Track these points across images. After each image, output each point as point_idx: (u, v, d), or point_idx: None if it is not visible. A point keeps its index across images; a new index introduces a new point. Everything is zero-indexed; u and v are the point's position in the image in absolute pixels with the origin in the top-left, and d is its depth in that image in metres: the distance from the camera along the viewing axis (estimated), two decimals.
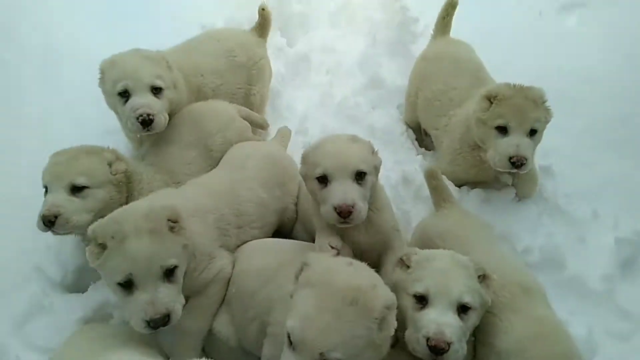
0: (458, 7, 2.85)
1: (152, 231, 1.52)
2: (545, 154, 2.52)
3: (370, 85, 3.11)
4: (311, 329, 1.26)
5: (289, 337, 1.29)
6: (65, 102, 2.58)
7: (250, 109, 2.59)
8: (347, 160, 1.65)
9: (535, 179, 2.30)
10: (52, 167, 1.86)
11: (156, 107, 2.01)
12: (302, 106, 3.10)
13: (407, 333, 1.50)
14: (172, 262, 1.53)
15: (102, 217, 1.60)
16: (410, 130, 2.92)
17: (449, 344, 1.40)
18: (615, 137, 2.58)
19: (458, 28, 3.16)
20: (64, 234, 1.82)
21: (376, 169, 1.75)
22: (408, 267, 1.59)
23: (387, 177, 2.45)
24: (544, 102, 2.12)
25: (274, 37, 3.37)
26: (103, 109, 2.55)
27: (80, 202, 1.82)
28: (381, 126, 2.88)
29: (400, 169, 2.51)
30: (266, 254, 1.87)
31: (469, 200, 2.32)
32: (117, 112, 2.14)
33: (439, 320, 1.44)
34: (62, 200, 1.78)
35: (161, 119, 2.03)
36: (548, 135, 2.59)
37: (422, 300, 1.51)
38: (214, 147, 2.22)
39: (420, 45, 3.07)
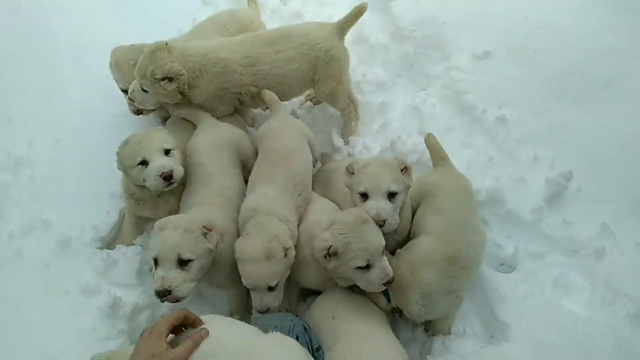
0: None
1: (186, 230, 1.96)
2: (501, 104, 2.96)
3: (357, 41, 3.46)
4: None
5: None
6: (98, 91, 3.07)
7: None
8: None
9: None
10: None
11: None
12: None
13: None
14: (187, 255, 1.94)
15: None
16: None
17: (384, 221, 2.06)
18: (566, 86, 2.92)
19: None
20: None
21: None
22: (352, 173, 2.18)
23: None
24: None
25: None
26: None
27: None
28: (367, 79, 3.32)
29: None
30: None
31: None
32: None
33: (376, 206, 2.08)
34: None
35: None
36: (506, 87, 3.03)
37: (364, 196, 2.13)
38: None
39: (399, 4, 3.38)
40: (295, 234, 2.22)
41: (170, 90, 2.50)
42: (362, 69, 3.35)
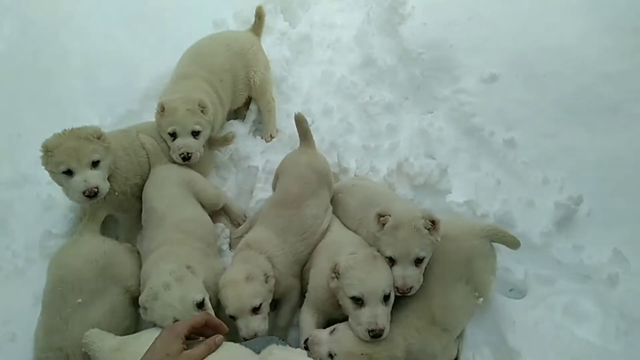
0: None
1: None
2: (509, 126, 2.94)
3: (365, 64, 3.49)
4: None
5: None
6: (108, 105, 3.10)
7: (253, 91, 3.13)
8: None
9: None
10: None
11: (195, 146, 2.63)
12: (306, 85, 3.53)
13: None
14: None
15: None
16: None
17: (410, 288, 2.02)
18: (575, 109, 2.89)
19: (442, 3, 3.48)
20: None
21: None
22: (384, 224, 2.10)
23: None
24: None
25: (277, 22, 3.76)
26: (137, 101, 3.12)
27: None
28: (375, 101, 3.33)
29: None
30: None
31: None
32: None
33: (402, 274, 2.03)
34: None
35: (197, 155, 2.64)
36: (515, 110, 3.02)
37: (391, 260, 2.08)
38: None
39: (407, 27, 3.41)
40: (282, 275, 2.26)
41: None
42: (369, 90, 3.37)
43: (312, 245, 2.42)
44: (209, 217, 2.58)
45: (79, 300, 2.08)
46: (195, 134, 2.63)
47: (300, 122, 2.61)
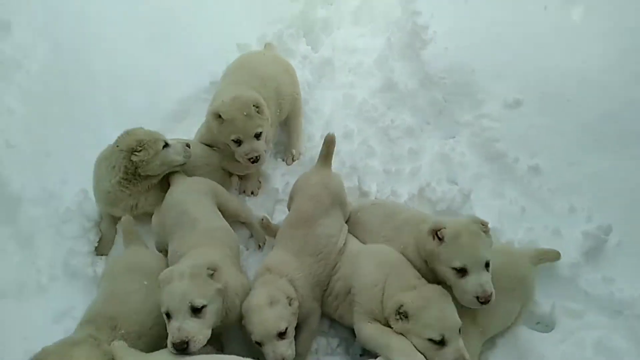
0: (465, 7, 3.13)
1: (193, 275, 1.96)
2: (533, 153, 2.89)
3: (386, 88, 3.50)
4: None
5: None
6: (133, 125, 3.14)
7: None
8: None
9: None
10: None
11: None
12: (327, 108, 3.55)
13: (456, 295, 2.05)
14: (200, 302, 1.92)
15: None
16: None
17: (490, 294, 1.99)
18: (601, 135, 2.85)
19: (464, 28, 3.48)
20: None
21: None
22: (440, 239, 2.08)
23: None
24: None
25: (300, 46, 3.82)
26: (162, 122, 3.17)
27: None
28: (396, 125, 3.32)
29: None
30: None
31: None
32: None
33: (479, 281, 2.00)
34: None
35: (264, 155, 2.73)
36: (539, 136, 2.97)
37: (462, 271, 2.04)
38: None
39: (429, 52, 3.42)
40: (304, 298, 2.23)
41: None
42: (390, 114, 3.38)
43: (331, 267, 2.39)
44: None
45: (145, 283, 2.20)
46: (257, 135, 2.68)
47: (329, 143, 2.63)
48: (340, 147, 3.18)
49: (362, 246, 2.46)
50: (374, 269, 2.20)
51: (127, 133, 2.61)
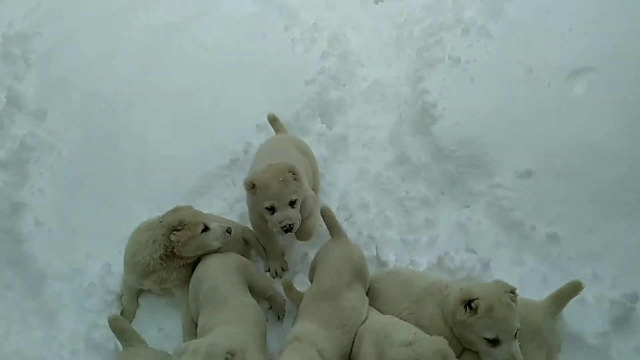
0: (471, 85, 3.33)
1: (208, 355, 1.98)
2: (550, 221, 2.92)
3: (399, 161, 3.63)
4: None
5: None
6: (158, 201, 3.29)
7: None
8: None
9: None
10: None
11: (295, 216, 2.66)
12: (343, 182, 3.66)
13: None
14: None
15: None
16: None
17: None
18: (616, 203, 2.88)
19: (472, 105, 3.65)
20: None
21: None
22: (473, 309, 2.12)
23: None
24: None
25: (316, 124, 4.00)
26: (184, 198, 3.28)
27: None
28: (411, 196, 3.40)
29: None
30: None
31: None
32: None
33: (511, 351, 2.07)
34: None
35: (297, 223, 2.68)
36: (554, 204, 3.00)
37: (494, 341, 2.10)
38: None
39: (439, 127, 3.58)
40: None
41: None
42: (405, 186, 3.46)
43: (352, 337, 2.37)
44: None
45: None
46: (292, 203, 2.64)
47: (325, 216, 2.71)
48: (356, 217, 3.26)
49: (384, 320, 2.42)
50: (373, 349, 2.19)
51: (174, 210, 2.69)
